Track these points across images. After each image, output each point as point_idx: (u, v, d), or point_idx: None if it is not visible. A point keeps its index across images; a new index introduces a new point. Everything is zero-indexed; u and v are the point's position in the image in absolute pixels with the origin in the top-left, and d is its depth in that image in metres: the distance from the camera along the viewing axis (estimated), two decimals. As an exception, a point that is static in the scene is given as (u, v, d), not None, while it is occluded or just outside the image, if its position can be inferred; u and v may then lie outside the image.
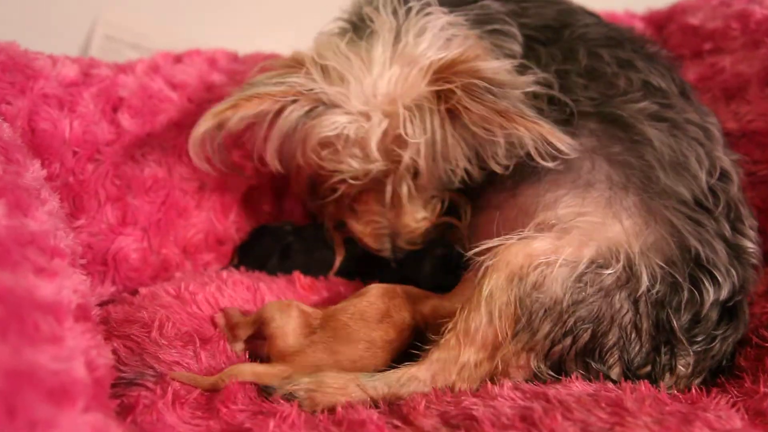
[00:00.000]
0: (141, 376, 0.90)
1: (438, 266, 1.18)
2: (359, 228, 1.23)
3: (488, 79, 1.01)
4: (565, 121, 1.05)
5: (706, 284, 0.94)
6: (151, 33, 1.23)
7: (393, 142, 1.07)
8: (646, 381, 0.90)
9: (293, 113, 1.08)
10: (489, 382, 0.90)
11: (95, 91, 1.20)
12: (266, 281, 1.17)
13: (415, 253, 1.20)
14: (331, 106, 1.06)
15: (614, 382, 0.90)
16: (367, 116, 1.06)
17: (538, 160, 0.99)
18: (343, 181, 1.14)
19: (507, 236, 0.95)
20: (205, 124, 1.05)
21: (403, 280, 1.10)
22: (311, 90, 1.06)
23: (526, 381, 0.92)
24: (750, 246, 1.01)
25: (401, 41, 1.07)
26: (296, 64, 1.08)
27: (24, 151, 0.98)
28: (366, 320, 0.97)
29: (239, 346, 1.00)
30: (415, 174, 1.13)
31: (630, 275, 0.93)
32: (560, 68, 1.11)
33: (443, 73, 1.04)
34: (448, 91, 1.03)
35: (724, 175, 1.04)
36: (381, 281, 1.07)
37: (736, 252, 1.00)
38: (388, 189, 1.15)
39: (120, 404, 0.84)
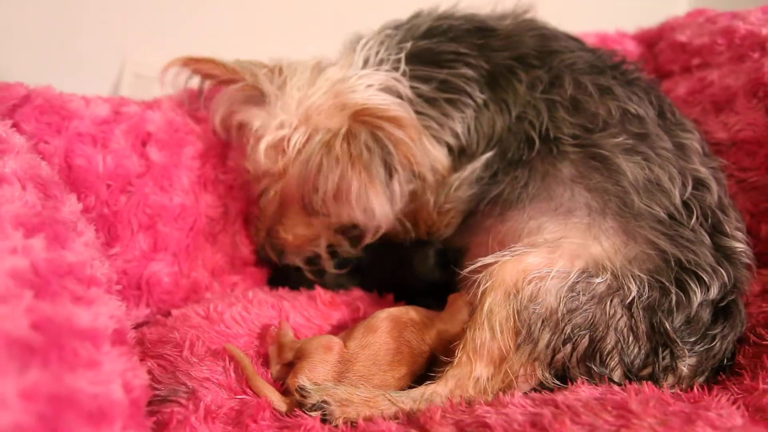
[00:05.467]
0: (174, 393, 0.90)
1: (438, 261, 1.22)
2: (255, 224, 1.29)
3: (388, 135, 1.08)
4: (549, 151, 1.08)
5: (693, 285, 0.94)
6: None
7: (280, 150, 1.13)
8: (650, 383, 0.88)
9: (232, 88, 1.19)
10: (501, 393, 0.90)
11: (125, 127, 1.20)
12: (289, 299, 1.16)
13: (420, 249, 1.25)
14: (262, 101, 1.16)
15: (618, 384, 0.89)
16: (276, 118, 1.13)
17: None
18: (247, 169, 1.21)
19: (501, 252, 0.96)
20: (175, 61, 1.18)
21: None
22: (257, 81, 1.16)
23: (535, 390, 0.91)
24: (739, 246, 1.00)
25: (345, 80, 1.14)
26: (273, 65, 1.19)
27: (61, 186, 0.98)
28: (378, 364, 0.95)
29: (276, 368, 0.98)
30: (286, 185, 1.16)
31: (619, 284, 0.93)
32: (548, 97, 1.12)
33: (357, 116, 1.10)
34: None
35: (700, 185, 1.04)
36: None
37: (723, 253, 0.99)
38: (260, 189, 1.22)
39: (155, 421, 0.83)
